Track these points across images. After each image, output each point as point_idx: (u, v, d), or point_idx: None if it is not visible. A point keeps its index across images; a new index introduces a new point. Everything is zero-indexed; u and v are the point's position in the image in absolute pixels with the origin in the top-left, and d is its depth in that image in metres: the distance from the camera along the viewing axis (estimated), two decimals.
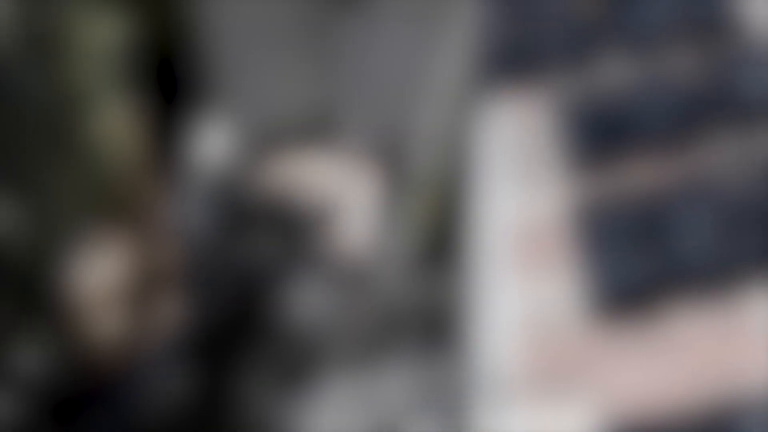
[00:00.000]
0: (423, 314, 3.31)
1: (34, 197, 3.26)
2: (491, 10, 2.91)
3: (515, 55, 2.81)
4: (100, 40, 3.32)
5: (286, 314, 3.33)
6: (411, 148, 3.49)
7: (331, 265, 3.39)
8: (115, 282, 3.27)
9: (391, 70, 3.47)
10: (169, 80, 3.48)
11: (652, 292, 2.31)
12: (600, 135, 2.58)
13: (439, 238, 3.40)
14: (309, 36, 3.49)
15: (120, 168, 3.36)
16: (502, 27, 2.87)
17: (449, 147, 3.40)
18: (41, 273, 3.24)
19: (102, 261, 3.30)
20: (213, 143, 3.55)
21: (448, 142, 3.40)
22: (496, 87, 2.77)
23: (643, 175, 2.50)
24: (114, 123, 3.34)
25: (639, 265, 2.33)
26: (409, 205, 3.44)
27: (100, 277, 3.27)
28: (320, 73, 3.52)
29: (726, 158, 2.48)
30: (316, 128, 3.55)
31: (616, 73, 2.70)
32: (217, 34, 3.48)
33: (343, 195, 3.51)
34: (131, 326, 3.25)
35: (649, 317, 2.29)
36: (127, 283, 3.28)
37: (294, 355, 3.30)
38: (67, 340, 3.21)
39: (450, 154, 3.40)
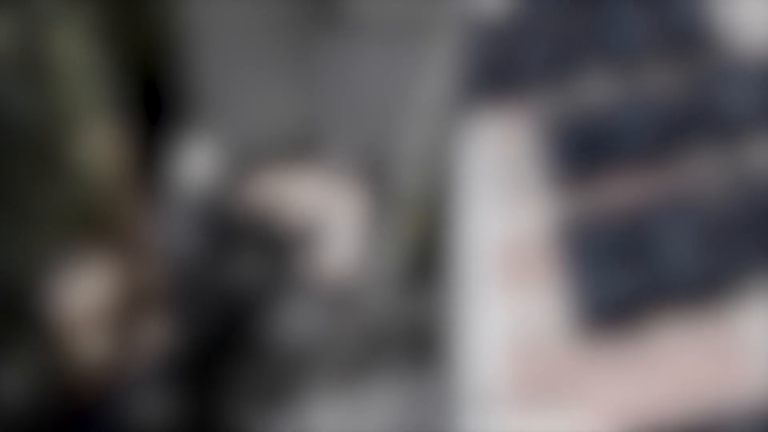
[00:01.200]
0: (409, 332, 3.31)
1: (17, 217, 3.25)
2: (473, 29, 2.92)
3: (497, 74, 2.82)
4: (83, 61, 3.31)
5: (271, 334, 3.32)
6: (395, 167, 3.50)
7: (317, 284, 3.38)
8: (100, 303, 3.26)
9: (375, 89, 3.48)
10: (153, 100, 3.48)
11: (636, 307, 2.32)
12: (582, 151, 2.59)
13: (424, 256, 3.40)
14: (292, 55, 3.50)
15: (104, 188, 3.35)
16: (483, 46, 2.88)
17: (433, 165, 3.41)
18: (24, 294, 3.22)
19: (86, 282, 3.29)
20: (197, 163, 3.54)
21: (432, 161, 3.41)
22: (479, 105, 2.78)
23: (626, 190, 2.51)
24: (98, 143, 3.33)
25: (623, 280, 2.34)
26: (394, 224, 3.45)
27: (84, 298, 3.26)
28: (304, 92, 3.53)
29: (708, 173, 2.49)
30: (300, 147, 3.56)
31: (598, 90, 2.71)
32: (200, 54, 3.48)
33: (328, 214, 3.51)
34: (116, 347, 3.24)
35: (633, 332, 2.30)
36: (111, 304, 3.27)
37: (280, 375, 3.29)
38: (50, 361, 3.20)
39: (434, 172, 3.41)
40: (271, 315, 3.32)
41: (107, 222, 3.34)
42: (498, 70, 2.81)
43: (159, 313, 3.29)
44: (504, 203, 2.56)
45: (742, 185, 2.44)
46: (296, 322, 3.32)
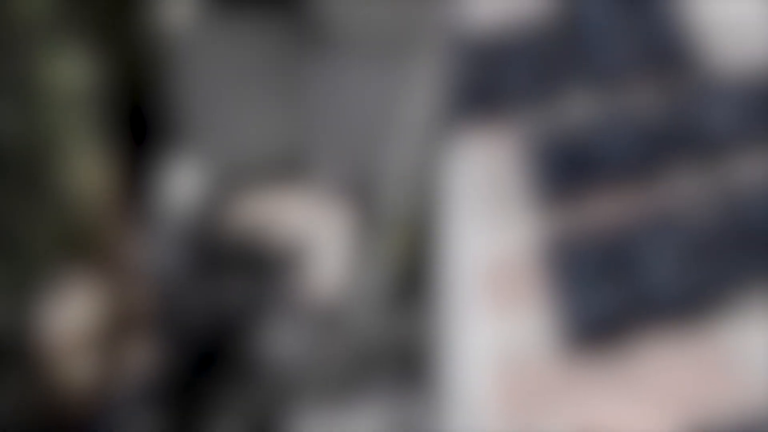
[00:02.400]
0: (396, 352, 3.31)
1: (3, 241, 3.24)
2: (458, 50, 2.94)
3: (481, 93, 2.84)
4: (71, 83, 3.32)
5: (258, 355, 3.32)
6: (381, 187, 3.51)
7: (304, 304, 3.38)
8: (86, 325, 3.25)
9: (361, 110, 3.49)
10: (140, 122, 3.48)
11: (622, 325, 2.33)
12: (566, 171, 2.61)
13: (410, 276, 3.41)
14: (278, 76, 3.51)
15: (91, 212, 3.35)
16: (468, 66, 2.90)
17: (418, 186, 3.42)
18: (11, 317, 3.22)
19: (73, 304, 3.28)
20: (184, 184, 3.55)
21: (418, 181, 3.42)
22: (464, 124, 2.79)
23: (610, 208, 2.52)
24: (84, 166, 3.33)
25: (609, 297, 2.35)
26: (380, 244, 3.45)
27: (71, 320, 3.26)
28: (290, 113, 3.53)
29: (691, 190, 2.51)
30: (286, 168, 3.56)
31: (581, 109, 2.72)
32: (187, 76, 3.49)
33: (315, 234, 3.51)
34: (103, 370, 3.23)
35: (620, 350, 2.31)
36: (98, 327, 3.26)
37: (267, 396, 3.28)
38: (38, 384, 3.19)
39: (419, 192, 3.42)
40: (258, 335, 3.32)
41: (94, 245, 3.34)
42: (482, 90, 2.83)
43: (145, 335, 3.29)
44: (489, 222, 2.57)
45: (724, 202, 2.45)
46: (283, 343, 3.32)
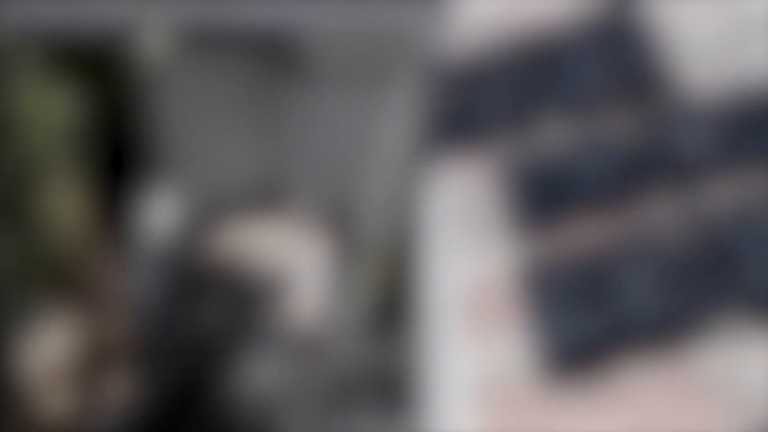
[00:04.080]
0: (377, 379, 3.31)
1: None
2: (434, 77, 2.96)
3: (458, 120, 2.85)
4: (48, 115, 3.32)
5: (239, 385, 3.31)
6: (359, 215, 3.52)
7: (284, 334, 3.38)
8: (64, 357, 3.24)
9: (338, 137, 3.50)
10: (117, 151, 3.49)
11: (601, 350, 2.33)
12: (543, 197, 2.62)
13: (390, 303, 3.41)
14: (255, 104, 3.52)
15: (69, 243, 3.34)
16: (444, 93, 2.92)
17: (397, 213, 3.43)
18: None
19: (50, 336, 3.27)
20: (162, 215, 3.54)
21: (396, 208, 3.43)
22: (441, 151, 2.81)
23: (587, 234, 2.54)
24: (62, 197, 3.33)
25: (587, 323, 2.36)
26: (360, 271, 3.46)
27: (48, 352, 3.24)
28: (267, 141, 3.54)
29: (666, 215, 2.53)
30: (264, 196, 3.57)
31: (557, 136, 2.74)
32: (163, 105, 3.50)
33: (294, 262, 3.51)
34: (81, 402, 3.21)
35: (599, 375, 2.31)
36: (76, 358, 3.25)
37: (249, 426, 3.27)
38: (16, 416, 3.17)
39: (398, 219, 3.43)
40: (238, 366, 3.31)
41: (73, 276, 3.33)
42: (459, 117, 2.85)
43: (125, 366, 3.27)
44: (468, 249, 2.58)
45: (699, 226, 2.47)
46: (263, 373, 3.31)
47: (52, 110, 3.31)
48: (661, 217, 2.52)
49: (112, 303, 3.37)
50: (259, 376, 3.31)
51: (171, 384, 3.27)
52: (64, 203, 3.33)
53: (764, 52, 2.83)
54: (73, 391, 3.23)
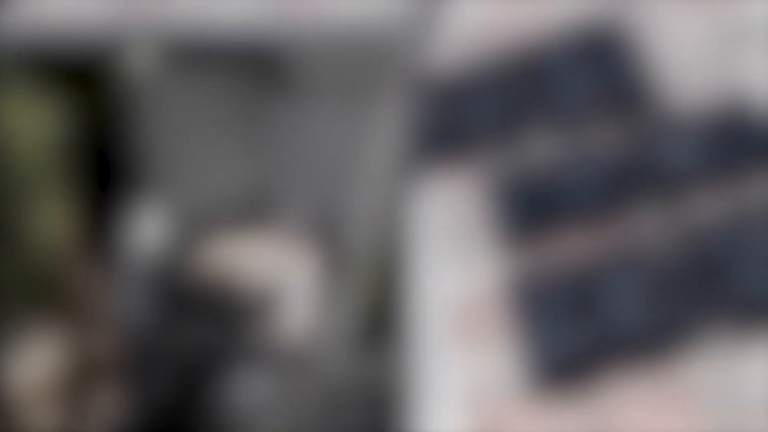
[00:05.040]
0: (365, 394, 3.31)
1: None
2: (421, 91, 2.97)
3: (445, 134, 2.86)
4: (35, 130, 3.31)
5: (227, 402, 3.30)
6: (347, 229, 3.52)
7: (272, 349, 3.38)
8: (52, 375, 3.23)
9: (326, 152, 3.50)
10: (104, 167, 3.48)
11: (589, 362, 2.34)
12: (530, 210, 2.63)
13: (378, 317, 3.41)
14: (242, 119, 3.52)
15: (56, 259, 3.33)
16: (432, 107, 2.92)
17: (385, 227, 3.43)
18: None
19: (38, 353, 3.26)
20: (149, 230, 3.54)
21: (384, 222, 3.43)
22: (428, 165, 2.81)
23: (574, 247, 2.54)
24: (49, 214, 3.32)
25: (575, 335, 2.36)
26: (348, 285, 3.45)
27: (36, 368, 3.23)
28: (254, 155, 3.54)
29: (652, 227, 2.53)
30: (252, 211, 3.56)
31: (544, 149, 2.75)
32: (151, 121, 3.50)
33: (282, 277, 3.51)
34: (68, 418, 3.20)
35: (587, 387, 2.32)
36: (64, 376, 3.24)
37: None
38: None
39: (386, 233, 3.43)
40: (226, 381, 3.30)
41: (59, 293, 3.32)
42: (446, 131, 2.85)
43: (112, 382, 3.26)
44: (455, 262, 2.58)
45: (685, 238, 2.48)
46: (252, 388, 3.31)
47: (39, 126, 3.30)
48: (648, 229, 2.53)
49: (99, 319, 3.36)
50: (248, 391, 3.31)
51: (159, 400, 3.26)
52: (51, 219, 3.32)
53: (749, 65, 2.85)
54: (61, 407, 3.21)
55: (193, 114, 3.50)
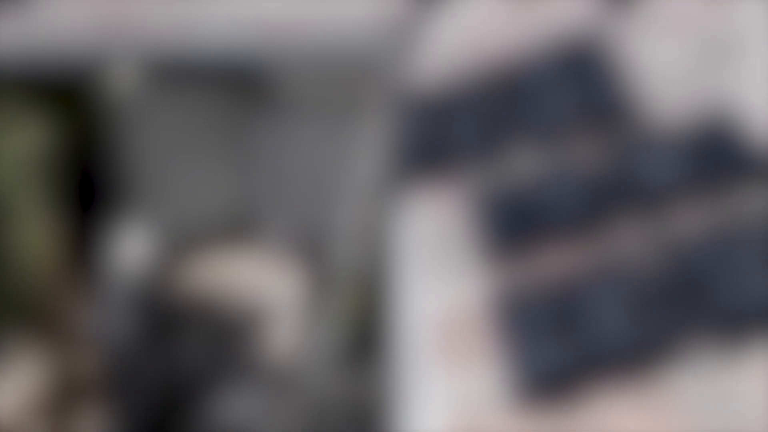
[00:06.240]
0: (351, 410, 3.30)
1: None
2: (404, 107, 2.97)
3: (428, 150, 2.87)
4: (17, 148, 3.31)
5: (214, 420, 3.29)
6: (332, 246, 3.52)
7: (258, 367, 3.37)
8: (35, 394, 3.21)
9: (309, 169, 3.50)
10: (88, 185, 3.47)
11: (573, 377, 2.34)
12: (513, 225, 2.63)
13: (363, 334, 3.41)
14: (225, 137, 3.52)
15: (38, 278, 3.32)
16: (414, 123, 2.93)
17: (369, 243, 3.43)
18: None
19: (21, 373, 3.24)
20: (132, 248, 3.53)
21: (368, 239, 3.43)
22: (411, 181, 2.81)
23: (557, 262, 2.55)
24: (32, 232, 3.31)
25: (559, 350, 2.36)
26: (333, 302, 3.45)
27: (19, 389, 3.21)
28: (238, 173, 3.54)
29: (634, 241, 2.54)
30: (236, 229, 3.56)
31: (526, 165, 2.76)
32: (134, 139, 3.49)
33: (267, 295, 3.50)
34: None
35: (572, 402, 2.32)
36: (47, 395, 3.22)
37: None
38: None
39: (370, 249, 3.43)
40: (212, 400, 3.29)
41: (42, 312, 3.31)
42: (429, 147, 2.86)
43: (95, 403, 3.25)
44: (439, 278, 2.58)
45: (668, 252, 2.49)
46: (238, 406, 3.30)
47: (22, 144, 3.30)
48: (631, 244, 2.54)
49: (82, 338, 3.34)
50: (234, 409, 3.30)
51: (143, 420, 3.24)
52: (34, 237, 3.31)
53: (729, 80, 2.86)
54: (44, 426, 3.20)
55: (177, 131, 3.50)
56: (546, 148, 2.77)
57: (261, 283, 3.53)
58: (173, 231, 3.54)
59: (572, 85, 2.92)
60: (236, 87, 3.45)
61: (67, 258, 3.39)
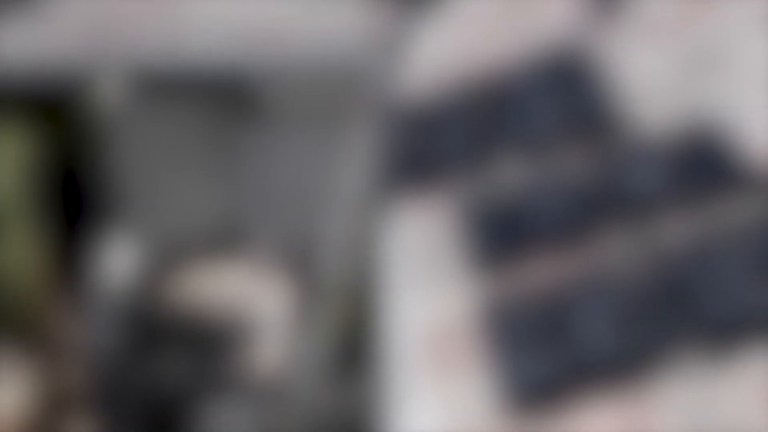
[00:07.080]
0: (340, 422, 3.30)
1: None
2: (391, 118, 2.98)
3: (415, 161, 2.87)
4: (5, 163, 3.30)
5: None
6: (320, 257, 3.52)
7: (246, 380, 3.36)
8: (23, 407, 3.20)
9: (297, 180, 3.51)
10: (75, 198, 3.47)
11: (560, 387, 2.34)
12: (501, 235, 2.64)
13: (352, 345, 3.41)
14: (213, 148, 3.52)
15: (26, 290, 3.31)
16: (402, 134, 2.93)
17: (357, 254, 3.43)
18: None
19: (8, 386, 3.23)
20: (120, 261, 3.53)
21: (356, 250, 3.43)
22: (399, 192, 2.82)
23: (545, 272, 2.55)
24: (19, 246, 3.31)
25: (546, 360, 2.37)
26: (321, 314, 3.45)
27: (6, 402, 3.20)
28: (225, 185, 3.54)
29: (621, 251, 2.55)
30: (224, 241, 3.56)
31: (512, 175, 2.77)
32: (122, 151, 3.49)
33: (254, 307, 3.50)
34: None
35: (559, 412, 2.32)
36: (35, 408, 3.21)
37: None
38: None
39: (358, 261, 3.43)
40: (200, 413, 3.29)
41: (29, 325, 3.30)
42: (417, 158, 2.86)
43: (82, 415, 3.24)
44: (426, 289, 2.59)
45: (654, 261, 2.50)
46: (226, 419, 3.29)
47: (9, 158, 3.29)
48: (617, 253, 2.54)
49: (69, 351, 3.34)
50: (222, 422, 3.29)
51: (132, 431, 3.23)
52: (21, 251, 3.30)
53: (714, 90, 2.88)
54: None
55: (164, 144, 3.50)
56: (532, 159, 2.78)
57: (249, 295, 3.52)
58: (160, 243, 3.53)
59: (558, 96, 2.93)
60: (223, 99, 3.45)
61: (54, 271, 3.38)
